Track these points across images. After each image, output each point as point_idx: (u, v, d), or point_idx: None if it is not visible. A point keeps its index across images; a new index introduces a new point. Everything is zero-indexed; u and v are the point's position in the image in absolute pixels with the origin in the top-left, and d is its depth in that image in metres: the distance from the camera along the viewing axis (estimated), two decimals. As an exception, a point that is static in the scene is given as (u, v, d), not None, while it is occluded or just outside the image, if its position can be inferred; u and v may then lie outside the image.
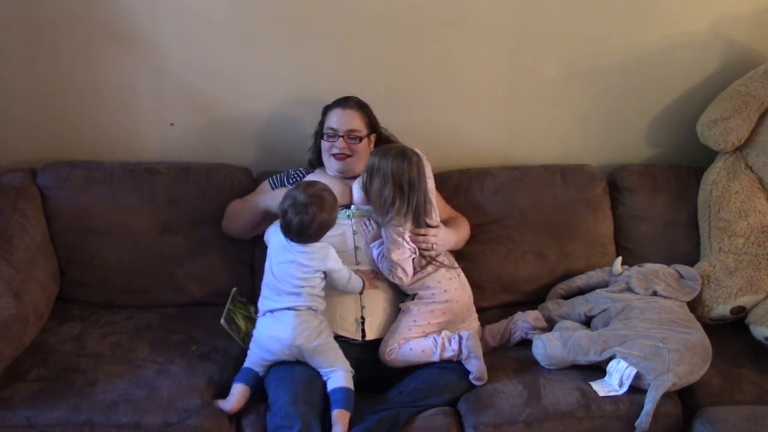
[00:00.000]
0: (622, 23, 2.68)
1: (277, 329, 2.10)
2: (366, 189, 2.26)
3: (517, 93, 2.75)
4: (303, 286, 2.11)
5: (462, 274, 2.38)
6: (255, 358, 2.14)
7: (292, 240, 2.11)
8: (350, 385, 2.07)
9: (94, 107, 2.64)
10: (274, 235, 2.20)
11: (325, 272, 2.15)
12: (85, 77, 2.60)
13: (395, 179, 2.20)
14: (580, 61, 2.73)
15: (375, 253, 2.28)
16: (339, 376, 2.07)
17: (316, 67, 2.64)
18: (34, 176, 2.54)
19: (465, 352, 2.14)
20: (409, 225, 2.25)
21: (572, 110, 2.80)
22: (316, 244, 2.14)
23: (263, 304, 2.18)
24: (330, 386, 2.07)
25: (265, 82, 2.66)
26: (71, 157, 2.62)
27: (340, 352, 2.13)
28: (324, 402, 2.04)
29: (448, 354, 2.17)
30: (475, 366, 2.14)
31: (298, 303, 2.11)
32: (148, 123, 2.69)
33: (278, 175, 2.50)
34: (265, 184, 2.51)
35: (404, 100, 2.69)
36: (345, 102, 2.44)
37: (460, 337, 2.17)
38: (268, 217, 2.38)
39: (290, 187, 2.27)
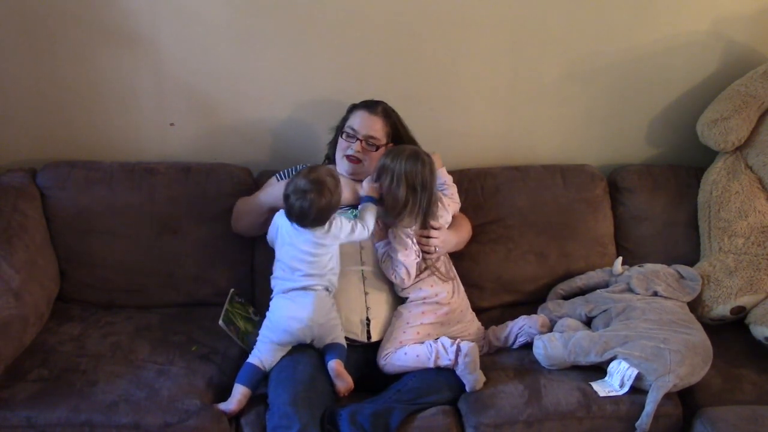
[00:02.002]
0: (622, 23, 2.68)
1: (296, 310, 2.12)
2: (377, 185, 2.25)
3: (517, 93, 2.75)
4: (316, 265, 2.14)
5: (456, 280, 2.37)
6: (267, 344, 2.14)
7: (296, 224, 2.14)
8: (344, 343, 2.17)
9: (94, 107, 2.64)
10: (281, 218, 2.20)
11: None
12: (85, 77, 2.60)
13: (409, 180, 2.19)
14: (580, 61, 2.73)
15: (380, 252, 2.27)
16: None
17: (315, 68, 2.64)
18: (34, 176, 2.54)
19: (461, 367, 2.11)
20: (416, 226, 2.25)
21: (572, 110, 2.80)
22: (324, 230, 2.15)
23: (277, 284, 2.19)
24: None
25: (264, 83, 2.66)
26: (71, 157, 2.62)
27: (341, 331, 2.19)
28: (323, 403, 2.03)
29: (443, 362, 2.14)
30: (470, 384, 2.11)
31: (315, 283, 2.14)
32: (148, 123, 2.69)
33: (285, 171, 2.49)
34: (272, 179, 2.50)
35: (404, 100, 2.67)
36: (373, 106, 2.41)
37: (459, 349, 2.12)
38: (274, 213, 2.36)
39: None
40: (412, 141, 2.46)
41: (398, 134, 2.44)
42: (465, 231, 2.51)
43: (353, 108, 2.43)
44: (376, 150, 2.37)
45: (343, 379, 2.09)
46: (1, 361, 2.07)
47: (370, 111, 2.39)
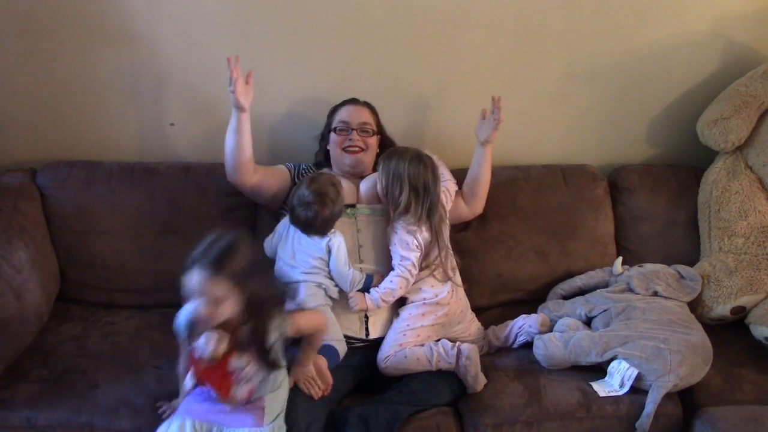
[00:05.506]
0: (622, 23, 2.68)
1: None
2: (381, 191, 2.27)
3: (517, 93, 2.75)
4: (314, 264, 2.20)
5: (456, 277, 2.36)
6: None
7: (302, 232, 2.22)
8: (337, 348, 2.13)
9: (94, 107, 2.64)
10: (286, 221, 2.28)
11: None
12: (85, 77, 2.60)
13: (411, 183, 2.22)
14: (580, 61, 2.73)
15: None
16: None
17: (316, 67, 2.64)
18: (34, 176, 2.54)
19: (462, 370, 2.12)
20: (423, 226, 2.25)
21: (572, 110, 2.80)
22: (324, 241, 2.21)
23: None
24: None
25: (265, 82, 2.63)
26: (71, 157, 2.62)
27: (337, 328, 2.18)
28: (324, 404, 2.02)
29: (444, 365, 2.14)
30: (471, 386, 2.12)
31: (310, 279, 2.20)
32: (148, 123, 2.69)
33: (294, 165, 2.51)
34: (281, 166, 2.51)
35: (404, 100, 2.69)
36: (354, 100, 2.49)
37: (459, 352, 2.14)
38: (264, 183, 2.39)
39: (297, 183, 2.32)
40: (389, 138, 2.54)
41: (381, 127, 2.51)
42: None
43: (335, 108, 2.50)
44: (372, 136, 2.43)
45: (323, 377, 2.04)
46: (1, 361, 2.07)
47: (354, 103, 2.48)
